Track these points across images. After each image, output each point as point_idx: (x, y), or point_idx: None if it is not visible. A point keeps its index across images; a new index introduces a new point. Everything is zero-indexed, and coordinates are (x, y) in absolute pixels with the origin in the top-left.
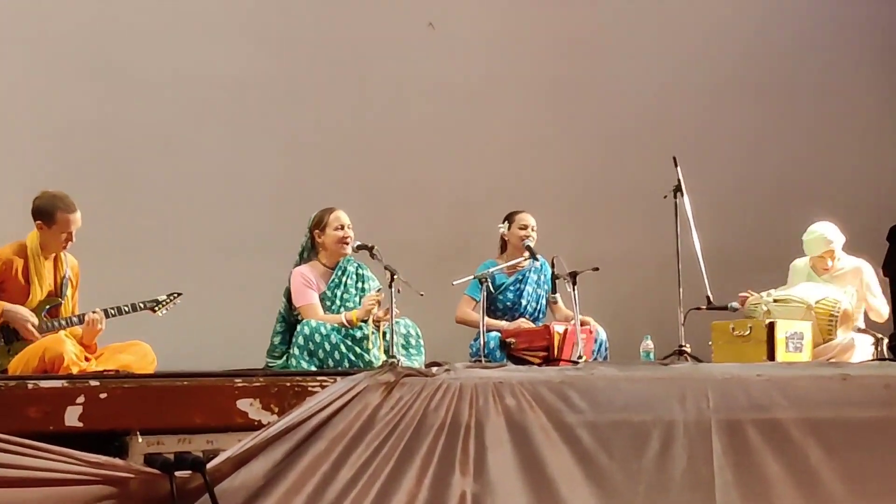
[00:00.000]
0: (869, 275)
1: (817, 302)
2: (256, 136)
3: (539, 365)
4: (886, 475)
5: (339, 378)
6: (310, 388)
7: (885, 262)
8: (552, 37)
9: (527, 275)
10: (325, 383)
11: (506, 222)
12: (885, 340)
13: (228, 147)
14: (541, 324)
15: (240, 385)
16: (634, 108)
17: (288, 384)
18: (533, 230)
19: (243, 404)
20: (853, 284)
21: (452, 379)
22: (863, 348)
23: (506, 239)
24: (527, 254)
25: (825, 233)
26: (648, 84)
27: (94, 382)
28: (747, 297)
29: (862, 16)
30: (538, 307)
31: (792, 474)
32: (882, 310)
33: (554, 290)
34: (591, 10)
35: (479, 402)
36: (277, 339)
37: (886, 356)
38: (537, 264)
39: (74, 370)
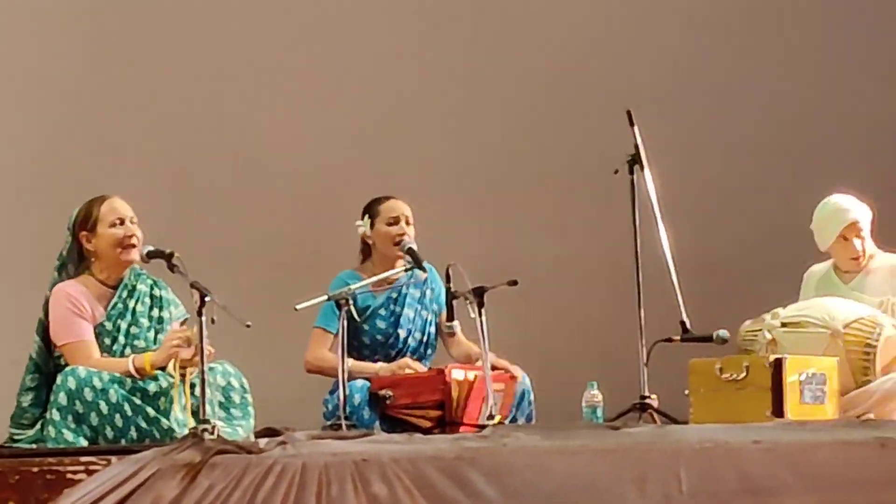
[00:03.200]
0: None
1: (848, 325)
2: None
3: (428, 432)
4: None
5: (115, 458)
6: (70, 475)
7: None
8: None
9: (404, 291)
10: (94, 467)
11: (366, 217)
12: None
13: None
14: (429, 365)
15: None
16: (573, 43)
17: (36, 469)
18: (409, 223)
19: None
20: (893, 291)
21: (290, 457)
22: None
23: (369, 241)
24: (407, 261)
25: (839, 202)
26: (596, 8)
27: None
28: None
29: None
30: (425, 340)
31: None
32: None
33: (451, 316)
34: None
35: (332, 491)
36: (27, 399)
37: None
38: (423, 275)
39: None
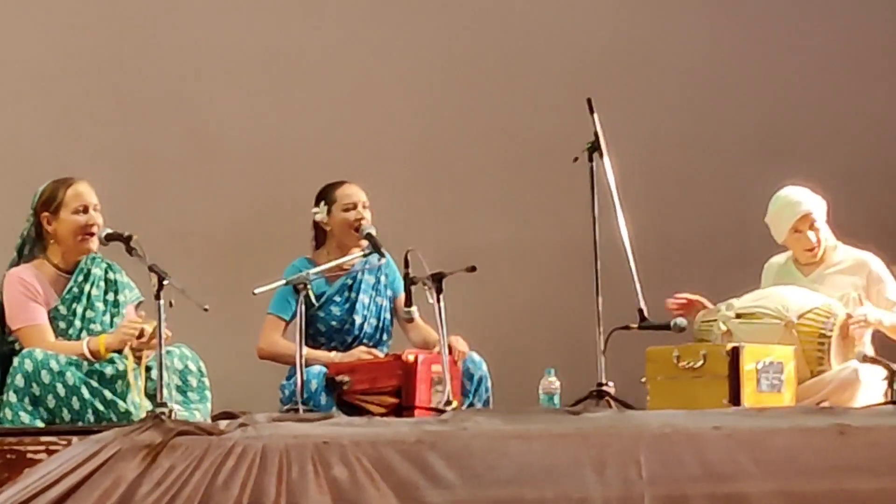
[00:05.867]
0: (880, 271)
1: (802, 315)
2: None
3: (385, 416)
4: None
5: (76, 439)
6: (30, 455)
7: None
8: None
9: (359, 277)
10: (53, 447)
11: (322, 203)
12: None
13: None
14: (386, 351)
15: None
16: (533, 32)
17: None
18: (365, 207)
19: None
20: (856, 287)
21: (251, 438)
22: (870, 385)
23: (325, 227)
24: (365, 246)
25: (791, 195)
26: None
27: None
28: (683, 308)
29: None
30: (381, 326)
31: None
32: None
33: (409, 302)
34: None
35: (293, 473)
36: None
37: None
38: (381, 261)
39: None
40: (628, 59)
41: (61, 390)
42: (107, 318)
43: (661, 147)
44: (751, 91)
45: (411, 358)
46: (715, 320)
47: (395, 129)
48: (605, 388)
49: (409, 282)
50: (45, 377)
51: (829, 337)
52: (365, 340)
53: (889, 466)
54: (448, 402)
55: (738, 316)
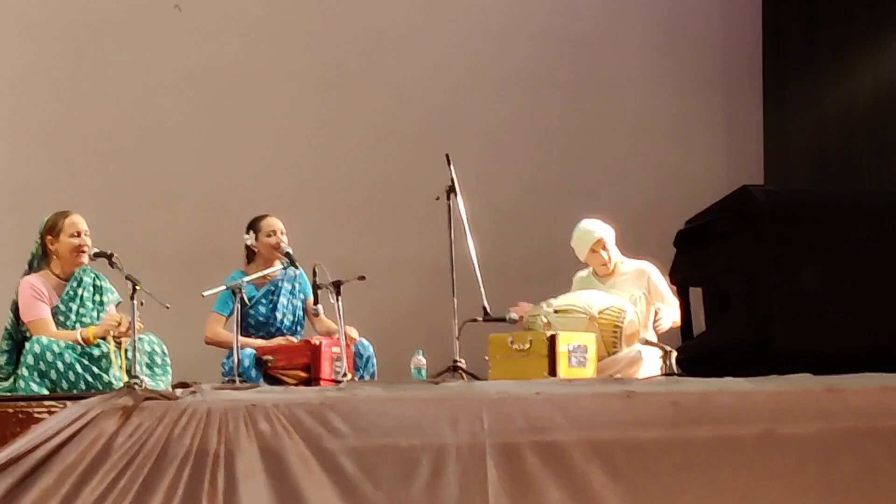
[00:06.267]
0: (656, 276)
1: (601, 312)
2: None
3: (297, 385)
4: (674, 500)
5: (70, 403)
6: (36, 415)
7: (672, 269)
8: (320, 24)
9: (279, 284)
10: (53, 409)
11: (251, 231)
12: (674, 353)
13: None
14: (300, 338)
15: None
16: (407, 103)
17: (11, 410)
18: (282, 234)
19: None
20: (639, 289)
21: (199, 402)
22: (650, 362)
23: (253, 248)
24: (283, 261)
25: (587, 225)
26: (423, 77)
27: None
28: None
29: (650, 7)
30: (295, 319)
31: (574, 501)
32: (674, 315)
33: (316, 301)
34: None
35: (229, 427)
36: (3, 359)
37: (675, 371)
38: (295, 273)
39: None
40: (478, 124)
41: (61, 367)
42: (94, 314)
43: (500, 190)
44: (562, 148)
45: (317, 342)
46: (539, 315)
47: (305, 176)
48: (458, 364)
49: (316, 287)
50: (49, 357)
51: (621, 327)
52: (284, 331)
53: (662, 421)
54: (344, 375)
55: (556, 311)
